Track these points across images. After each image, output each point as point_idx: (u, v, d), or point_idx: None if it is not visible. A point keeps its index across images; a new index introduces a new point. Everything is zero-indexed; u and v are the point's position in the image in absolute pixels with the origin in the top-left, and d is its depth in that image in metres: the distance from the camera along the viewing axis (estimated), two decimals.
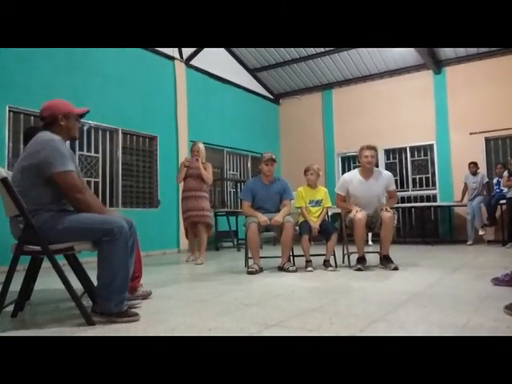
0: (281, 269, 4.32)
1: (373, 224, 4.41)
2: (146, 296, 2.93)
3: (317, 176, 4.60)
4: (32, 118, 5.66)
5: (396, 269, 4.12)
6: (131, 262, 2.41)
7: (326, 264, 4.36)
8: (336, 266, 4.39)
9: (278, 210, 4.46)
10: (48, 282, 3.13)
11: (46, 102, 2.50)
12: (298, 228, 4.49)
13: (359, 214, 4.18)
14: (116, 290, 2.27)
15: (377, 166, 4.61)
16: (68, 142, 2.49)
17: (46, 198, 2.32)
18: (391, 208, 4.34)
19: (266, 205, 4.49)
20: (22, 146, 5.54)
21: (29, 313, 2.65)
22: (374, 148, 4.42)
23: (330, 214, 4.91)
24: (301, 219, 4.54)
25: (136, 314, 2.32)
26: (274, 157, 4.56)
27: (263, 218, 4.30)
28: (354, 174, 4.54)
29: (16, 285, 2.47)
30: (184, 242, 6.91)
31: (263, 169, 4.56)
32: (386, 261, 4.30)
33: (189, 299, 2.96)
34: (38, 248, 2.27)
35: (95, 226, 2.29)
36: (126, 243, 2.31)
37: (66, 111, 2.47)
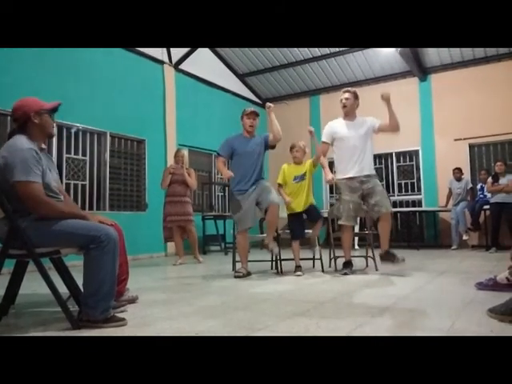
0: (263, 246, 4.26)
1: (369, 195, 4.21)
2: (132, 301, 2.91)
3: (303, 153, 4.54)
4: None
5: (403, 260, 4.07)
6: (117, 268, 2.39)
7: (312, 244, 4.47)
8: (323, 271, 4.41)
9: (259, 171, 4.38)
10: (33, 285, 3.10)
11: (16, 102, 2.39)
12: (288, 231, 4.50)
13: (346, 221, 4.20)
14: (102, 297, 2.24)
15: None
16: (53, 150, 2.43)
17: (18, 203, 2.24)
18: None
19: (247, 159, 4.33)
20: None
21: (13, 317, 2.61)
22: (349, 91, 4.41)
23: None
24: (289, 210, 4.45)
25: (123, 319, 2.30)
26: (257, 111, 4.46)
27: (228, 173, 4.16)
28: (338, 119, 4.53)
29: (0, 289, 2.44)
30: (171, 246, 6.89)
31: (245, 123, 4.44)
32: (389, 256, 4.15)
33: (175, 303, 2.95)
34: (23, 251, 2.25)
35: (82, 232, 2.24)
36: (114, 250, 2.27)
37: (37, 108, 2.37)
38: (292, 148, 4.57)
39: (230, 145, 4.39)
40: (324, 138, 4.47)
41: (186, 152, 5.97)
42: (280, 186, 4.49)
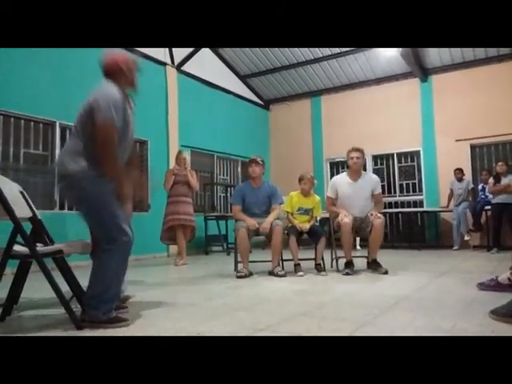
0: (271, 273, 4.33)
1: (361, 229, 4.44)
2: (124, 300, 2.90)
3: (310, 185, 4.62)
4: (22, 121, 5.63)
5: (386, 273, 4.16)
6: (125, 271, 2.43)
7: (318, 268, 4.37)
8: (324, 271, 4.41)
9: (268, 213, 4.47)
10: (36, 286, 3.10)
11: (107, 54, 2.51)
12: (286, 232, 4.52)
13: (346, 219, 4.23)
14: (107, 299, 2.26)
15: (365, 169, 4.70)
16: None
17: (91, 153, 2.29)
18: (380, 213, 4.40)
19: (255, 209, 4.49)
20: (11, 150, 5.50)
21: (17, 317, 2.62)
22: (359, 150, 4.52)
23: (318, 218, 4.95)
24: (290, 224, 4.57)
25: (125, 320, 2.31)
26: (258, 159, 4.56)
27: (252, 222, 4.31)
28: (343, 176, 4.67)
29: (3, 289, 2.45)
30: (173, 246, 6.89)
31: (248, 171, 4.62)
32: (375, 265, 4.34)
33: (177, 303, 2.96)
34: (26, 251, 2.26)
35: (108, 225, 2.27)
36: (126, 255, 2.33)
37: (128, 67, 2.50)
38: (300, 180, 4.64)
39: (240, 193, 4.58)
40: (329, 194, 4.64)
41: (187, 154, 6.11)
42: (288, 214, 4.60)
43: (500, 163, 6.96)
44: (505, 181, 6.75)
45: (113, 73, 2.45)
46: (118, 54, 2.54)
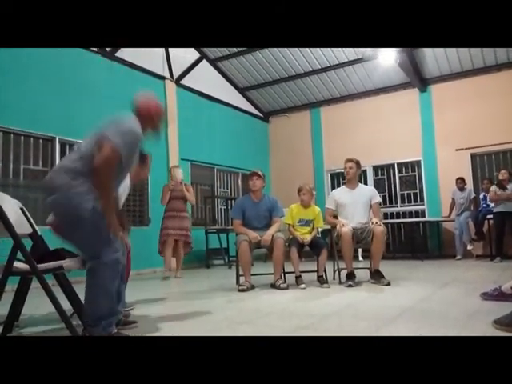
0: (273, 286, 4.31)
1: (363, 239, 4.42)
2: (126, 316, 2.89)
3: (310, 196, 4.61)
4: (22, 137, 5.66)
5: (388, 284, 4.14)
6: (122, 285, 2.40)
7: (321, 280, 4.33)
8: (327, 283, 4.39)
9: (268, 226, 4.47)
10: (36, 302, 3.09)
11: (142, 96, 2.68)
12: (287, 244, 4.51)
13: (345, 228, 4.23)
14: (103, 315, 2.23)
15: (366, 183, 4.72)
16: None
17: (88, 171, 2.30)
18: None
19: (256, 223, 4.49)
20: (11, 166, 5.52)
21: (17, 334, 2.60)
22: (353, 160, 4.67)
23: (320, 229, 4.94)
24: (291, 236, 4.55)
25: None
26: (258, 172, 4.60)
27: (253, 234, 4.30)
28: (341, 188, 4.88)
29: (3, 306, 2.44)
30: (173, 261, 6.87)
31: (249, 184, 4.66)
32: (377, 275, 4.32)
33: (179, 318, 2.94)
34: (26, 268, 2.25)
35: (93, 243, 2.23)
36: (115, 271, 2.29)
37: (160, 117, 2.65)
38: (299, 191, 4.65)
39: (240, 207, 4.60)
40: (328, 205, 4.73)
41: (180, 169, 6.28)
42: (289, 226, 4.59)
43: (503, 171, 6.95)
44: (508, 189, 6.71)
45: (143, 117, 2.53)
46: (153, 100, 2.69)
